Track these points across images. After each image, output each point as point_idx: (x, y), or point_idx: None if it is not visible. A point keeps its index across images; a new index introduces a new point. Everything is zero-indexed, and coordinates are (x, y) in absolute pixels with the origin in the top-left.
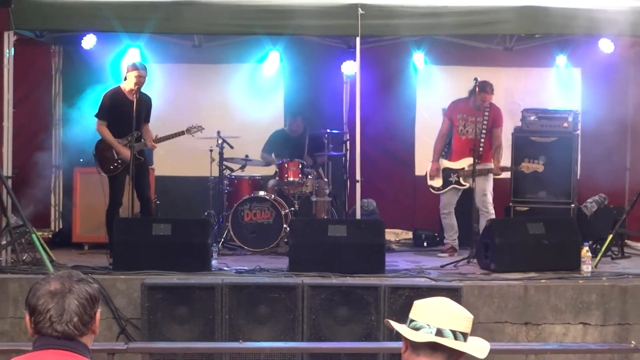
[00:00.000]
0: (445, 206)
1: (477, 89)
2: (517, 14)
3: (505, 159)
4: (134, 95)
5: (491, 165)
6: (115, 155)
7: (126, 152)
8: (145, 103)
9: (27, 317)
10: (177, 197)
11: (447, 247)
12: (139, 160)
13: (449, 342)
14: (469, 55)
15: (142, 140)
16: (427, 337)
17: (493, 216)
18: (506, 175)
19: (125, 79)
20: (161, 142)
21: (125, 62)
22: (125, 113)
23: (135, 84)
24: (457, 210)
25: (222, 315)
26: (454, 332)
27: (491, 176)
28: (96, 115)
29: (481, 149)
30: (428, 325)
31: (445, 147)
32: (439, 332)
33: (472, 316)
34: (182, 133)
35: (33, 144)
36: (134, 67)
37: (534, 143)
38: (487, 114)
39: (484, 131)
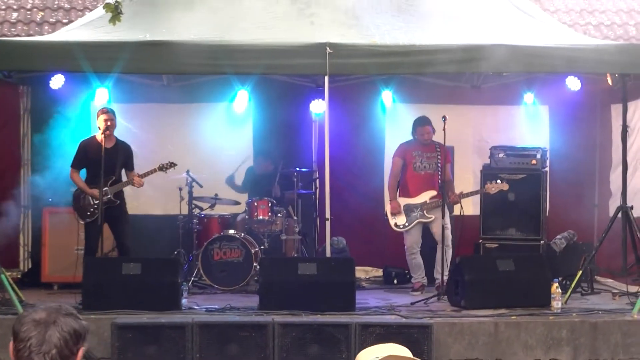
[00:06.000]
0: (412, 246)
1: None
2: (485, 53)
3: (475, 198)
4: (104, 140)
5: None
6: (92, 202)
7: (95, 192)
8: (123, 150)
9: (11, 343)
10: (146, 236)
11: (418, 285)
12: (114, 203)
13: None
14: (437, 93)
15: (122, 181)
16: None
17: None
18: (475, 212)
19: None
20: (141, 179)
21: (95, 102)
22: (100, 160)
23: (105, 127)
24: (425, 245)
25: (192, 355)
26: None
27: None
28: (71, 165)
29: (440, 181)
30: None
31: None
32: None
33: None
34: (154, 170)
35: (1, 184)
36: (101, 111)
37: (502, 180)
38: (438, 150)
39: (439, 166)
